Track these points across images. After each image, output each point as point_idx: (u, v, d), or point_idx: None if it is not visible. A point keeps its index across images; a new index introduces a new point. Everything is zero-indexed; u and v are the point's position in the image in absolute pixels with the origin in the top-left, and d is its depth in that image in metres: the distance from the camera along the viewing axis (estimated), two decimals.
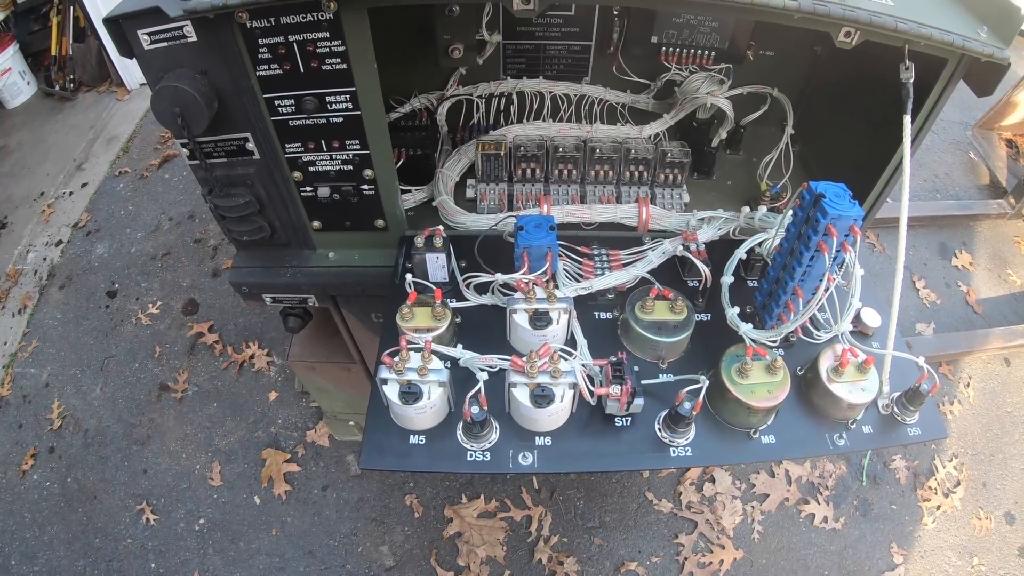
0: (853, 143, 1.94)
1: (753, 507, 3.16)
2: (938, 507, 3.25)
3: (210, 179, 1.58)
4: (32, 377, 3.70)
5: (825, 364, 1.48)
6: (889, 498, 3.27)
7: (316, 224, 1.77)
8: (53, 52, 5.48)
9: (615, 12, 1.83)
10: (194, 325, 3.78)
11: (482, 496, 3.09)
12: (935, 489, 3.30)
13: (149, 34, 1.34)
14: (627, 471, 3.14)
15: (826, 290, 1.36)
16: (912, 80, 1.44)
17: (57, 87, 5.50)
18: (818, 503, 3.18)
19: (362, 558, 3.00)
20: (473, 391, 1.27)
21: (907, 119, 1.47)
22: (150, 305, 3.92)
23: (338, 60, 1.40)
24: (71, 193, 4.68)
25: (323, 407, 3.09)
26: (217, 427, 3.43)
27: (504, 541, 2.99)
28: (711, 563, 2.98)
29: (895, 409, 1.54)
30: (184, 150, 1.54)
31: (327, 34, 1.36)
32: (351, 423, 3.03)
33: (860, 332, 1.66)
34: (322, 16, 1.32)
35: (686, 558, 2.99)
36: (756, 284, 1.74)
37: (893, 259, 3.95)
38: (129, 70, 5.43)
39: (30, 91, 5.64)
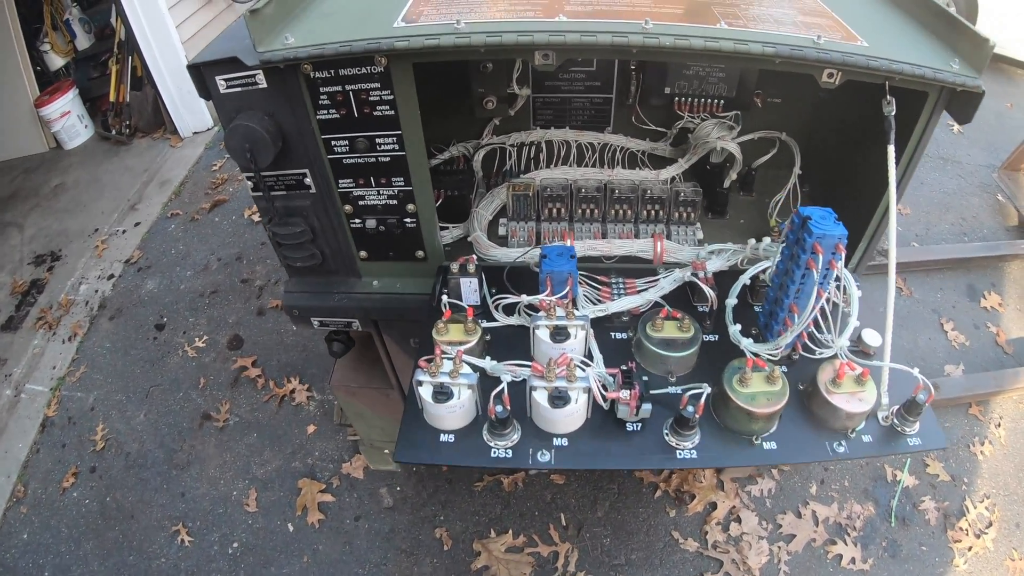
0: (856, 178, 2.08)
1: (779, 547, 3.16)
2: (970, 548, 3.20)
3: (271, 209, 1.82)
4: (78, 400, 3.91)
5: (824, 377, 1.62)
6: (919, 539, 3.24)
7: (363, 254, 1.98)
8: (111, 98, 5.86)
9: (632, 67, 2.06)
10: (238, 359, 3.97)
11: (510, 531, 3.16)
12: (966, 530, 3.25)
13: (226, 80, 1.60)
14: (637, 470, 3.22)
15: (816, 303, 1.51)
16: (893, 113, 1.59)
17: (114, 131, 5.88)
18: (846, 544, 3.17)
19: None
20: (497, 390, 1.44)
21: (891, 149, 1.62)
22: (196, 339, 4.13)
23: (387, 107, 1.64)
24: (124, 231, 4.98)
25: (360, 434, 3.21)
26: (256, 456, 3.57)
27: (531, 575, 3.06)
28: None
29: (895, 420, 1.64)
30: (249, 183, 1.78)
31: (378, 84, 1.60)
32: (386, 451, 3.17)
33: (862, 352, 1.76)
34: (375, 69, 1.56)
35: None
36: (760, 309, 1.89)
37: (920, 302, 4.08)
38: (183, 118, 5.78)
39: (87, 134, 6.07)
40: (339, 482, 3.44)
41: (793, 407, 1.60)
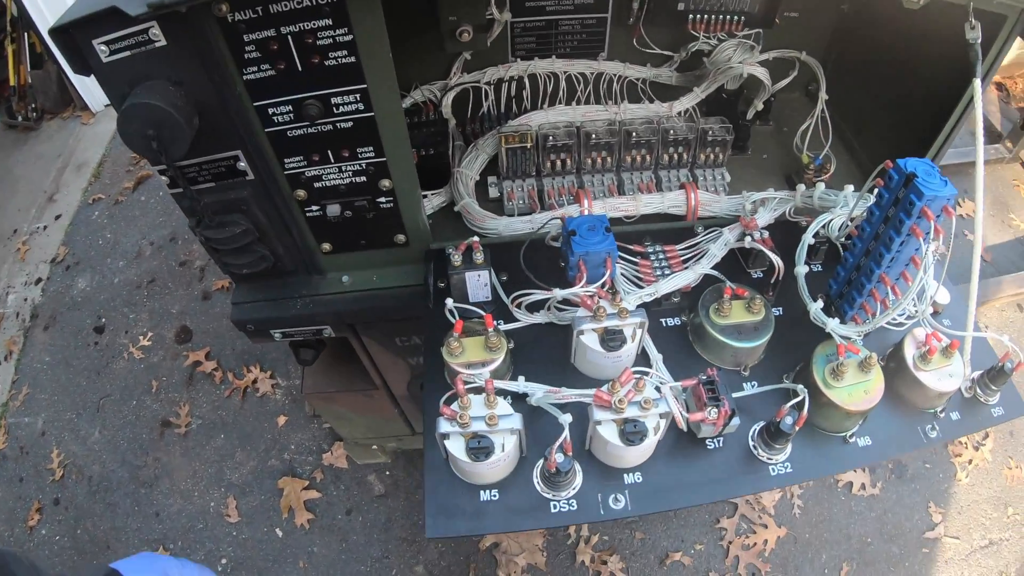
0: (890, 105, 1.79)
1: None
2: (970, 461, 3.21)
3: (197, 209, 1.34)
4: (27, 427, 3.49)
5: (910, 352, 1.36)
6: (922, 458, 3.21)
7: (326, 246, 1.56)
8: (12, 82, 5.19)
9: None
10: (190, 354, 3.57)
11: None
12: (965, 444, 3.25)
13: (107, 43, 1.09)
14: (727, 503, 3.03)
15: (921, 278, 1.22)
16: (979, 40, 1.31)
17: (20, 118, 5.22)
18: (855, 472, 3.11)
19: None
20: (560, 441, 1.09)
21: (977, 83, 1.35)
22: (141, 337, 3.70)
23: (344, 52, 1.18)
24: (45, 227, 4.41)
25: (342, 434, 2.92)
26: (227, 460, 3.25)
27: (543, 547, 2.87)
28: (755, 544, 2.91)
29: (977, 391, 1.43)
30: (163, 178, 1.30)
31: (329, 21, 1.13)
32: (374, 447, 2.86)
33: (933, 311, 1.53)
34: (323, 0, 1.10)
35: (730, 542, 2.91)
36: (821, 268, 1.60)
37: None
38: (92, 91, 5.11)
39: None
40: (323, 475, 3.15)
41: None
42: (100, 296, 3.93)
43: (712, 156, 1.73)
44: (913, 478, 3.14)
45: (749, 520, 2.97)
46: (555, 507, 1.17)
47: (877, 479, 3.11)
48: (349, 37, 1.16)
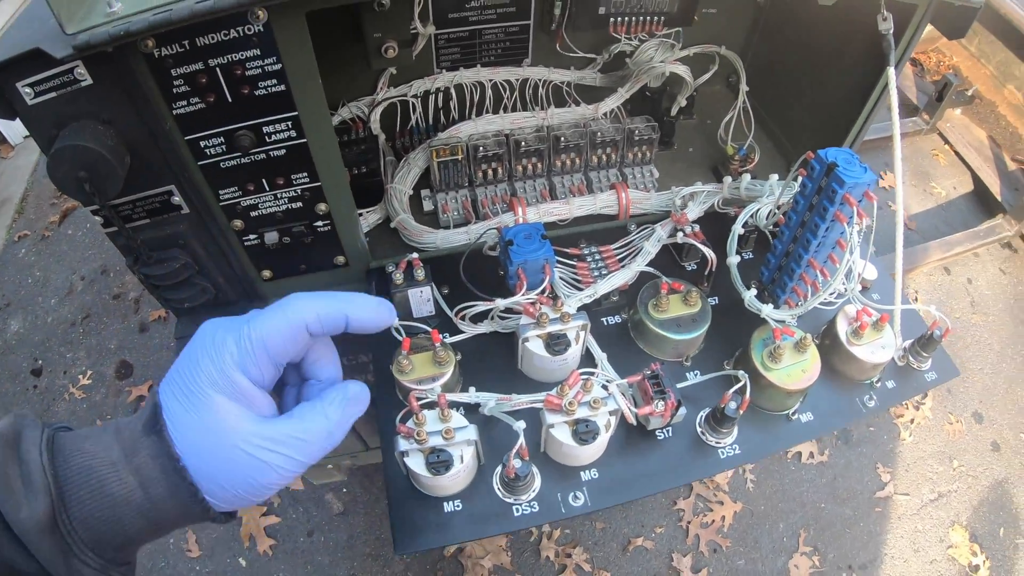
0: (811, 95, 1.86)
1: None
2: (912, 420, 3.35)
3: (134, 246, 1.31)
4: None
5: (843, 329, 1.43)
6: (867, 422, 3.35)
7: (266, 274, 1.54)
8: None
9: None
10: (132, 389, 3.46)
11: None
12: (906, 405, 3.39)
13: (32, 85, 1.04)
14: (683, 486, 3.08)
15: (846, 261, 1.28)
16: (891, 31, 1.38)
17: None
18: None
19: None
20: (516, 447, 1.12)
21: (891, 71, 1.41)
22: (81, 376, 3.57)
23: (274, 81, 1.16)
24: None
25: None
26: None
27: (508, 547, 2.89)
28: (713, 521, 2.99)
29: (910, 359, 1.51)
30: (97, 218, 1.25)
31: (257, 51, 1.11)
32: (329, 466, 2.83)
33: (861, 287, 1.61)
34: (249, 30, 1.08)
35: (689, 522, 2.99)
36: (752, 256, 1.66)
37: None
38: (8, 123, 4.79)
39: None
40: (280, 499, 3.10)
41: None
42: (34, 337, 3.79)
43: (640, 154, 1.77)
44: (859, 442, 3.27)
45: (705, 499, 3.05)
46: (518, 511, 1.19)
47: (824, 447, 3.23)
48: (278, 66, 1.15)
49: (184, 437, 0.72)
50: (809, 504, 3.09)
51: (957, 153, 4.47)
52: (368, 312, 0.89)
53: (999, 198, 4.15)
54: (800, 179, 1.32)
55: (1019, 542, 3.12)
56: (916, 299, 3.76)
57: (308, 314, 0.82)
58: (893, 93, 1.43)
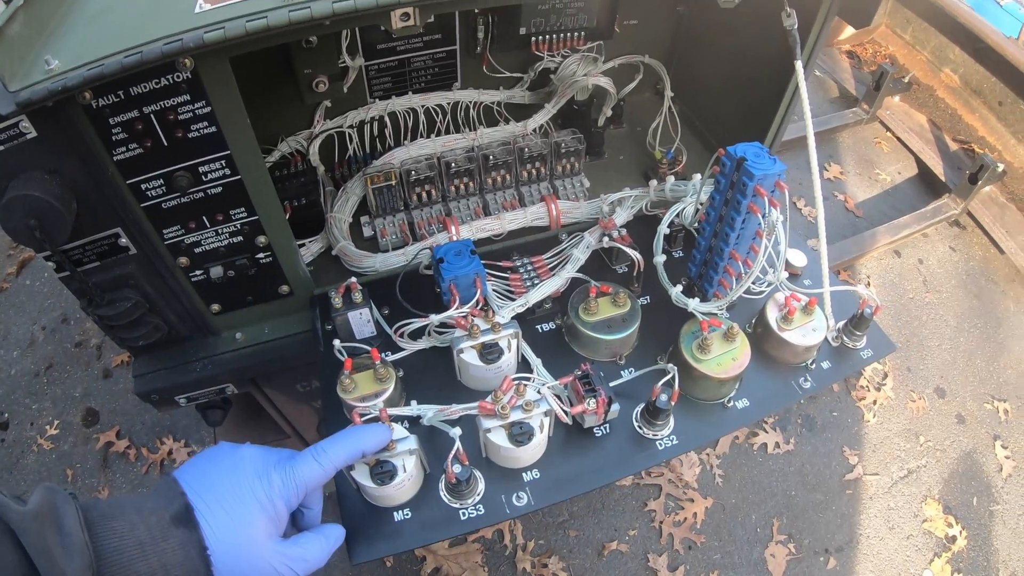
0: (733, 95, 1.94)
1: (708, 455, 3.22)
2: (874, 402, 3.42)
3: (87, 289, 1.36)
4: None
5: (772, 315, 1.49)
6: (829, 408, 3.41)
7: (215, 307, 1.59)
8: None
9: (476, 12, 1.74)
10: (100, 436, 3.43)
11: None
12: (867, 387, 3.47)
13: None
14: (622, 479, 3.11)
15: (766, 249, 1.34)
16: (796, 26, 1.44)
17: None
18: (766, 432, 3.28)
19: None
20: (452, 452, 1.17)
21: (799, 64, 1.48)
22: (48, 427, 3.53)
23: (205, 124, 1.23)
24: None
25: None
26: None
27: (484, 562, 2.89)
28: (686, 519, 3.02)
29: (844, 339, 1.57)
30: (50, 263, 1.31)
31: (187, 96, 1.18)
32: None
33: (791, 275, 1.68)
34: (179, 77, 1.15)
35: (661, 522, 3.01)
36: (682, 254, 1.73)
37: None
38: None
39: None
40: None
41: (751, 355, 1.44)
42: None
43: (569, 166, 1.84)
44: (824, 428, 3.33)
45: (675, 498, 3.09)
46: (464, 514, 1.23)
47: (789, 436, 3.28)
48: (207, 109, 1.21)
49: (218, 537, 0.88)
50: (780, 493, 3.13)
51: (899, 139, 4.60)
52: (377, 441, 1.13)
53: (943, 179, 4.28)
54: (715, 176, 1.38)
55: (994, 509, 3.19)
56: (869, 284, 3.86)
57: (339, 462, 1.05)
58: (802, 86, 1.50)
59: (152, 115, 1.19)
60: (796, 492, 3.13)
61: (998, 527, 3.14)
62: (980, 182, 4.02)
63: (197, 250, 1.45)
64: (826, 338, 1.55)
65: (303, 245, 1.73)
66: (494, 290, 1.49)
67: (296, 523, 1.11)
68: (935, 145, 4.48)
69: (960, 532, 3.09)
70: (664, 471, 3.14)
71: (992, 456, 3.35)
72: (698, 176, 1.60)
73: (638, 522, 3.03)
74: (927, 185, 4.44)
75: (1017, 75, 3.95)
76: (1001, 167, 4.04)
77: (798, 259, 1.68)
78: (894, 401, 3.45)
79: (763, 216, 1.30)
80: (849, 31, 4.80)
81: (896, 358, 3.58)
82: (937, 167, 4.34)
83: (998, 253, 4.13)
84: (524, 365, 1.41)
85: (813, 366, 1.52)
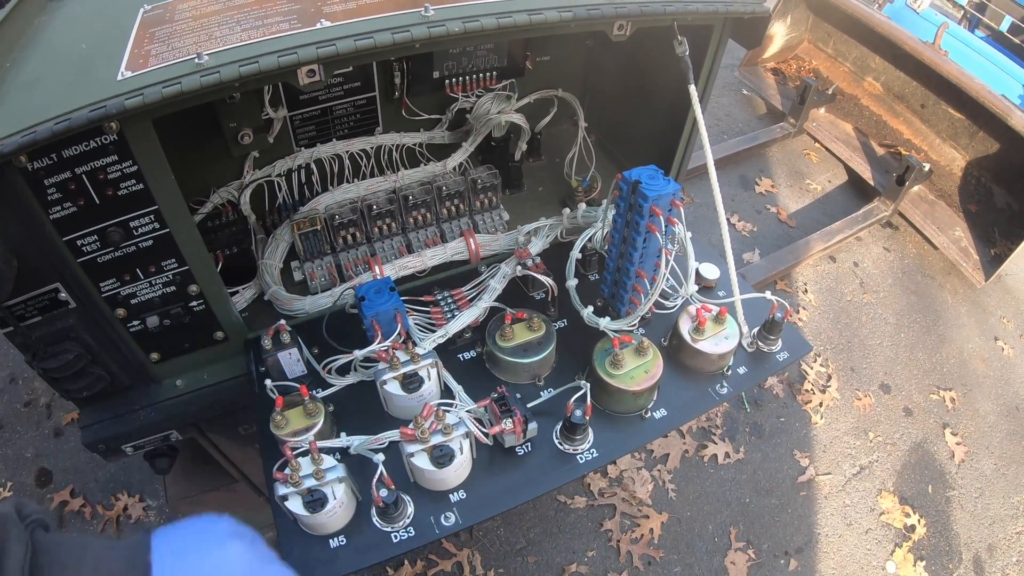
0: (643, 120, 2.06)
1: (660, 470, 3.27)
2: (820, 404, 3.52)
3: (30, 343, 1.43)
4: None
5: (685, 327, 1.58)
6: (775, 414, 3.50)
7: (154, 356, 1.64)
8: None
9: (393, 58, 1.84)
10: (54, 496, 3.39)
11: (405, 561, 2.97)
12: (811, 390, 3.58)
13: None
14: (546, 493, 3.15)
15: (667, 264, 1.43)
16: (688, 52, 1.55)
17: None
18: (715, 443, 3.35)
19: None
20: (376, 476, 1.23)
21: (692, 88, 1.59)
22: (1, 489, 3.48)
23: (133, 181, 1.32)
24: None
25: None
26: None
27: None
28: (643, 535, 3.06)
29: (759, 344, 1.67)
30: None
31: (115, 157, 1.27)
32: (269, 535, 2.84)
33: (704, 288, 1.78)
34: (106, 139, 1.24)
35: (618, 540, 3.05)
36: (598, 277, 1.82)
37: (703, 205, 4.29)
38: None
39: None
40: None
41: (666, 367, 1.53)
42: None
43: (487, 201, 1.93)
44: (772, 434, 3.41)
45: (630, 516, 3.12)
46: (396, 537, 1.30)
47: (739, 445, 3.35)
48: (134, 168, 1.30)
49: None
50: (734, 501, 3.20)
51: (827, 148, 4.80)
52: None
53: (872, 183, 4.47)
54: (614, 200, 1.48)
55: (950, 494, 3.30)
56: (807, 290, 3.99)
57: None
58: (697, 109, 1.61)
59: (84, 175, 1.27)
60: (750, 499, 3.20)
61: (956, 511, 3.25)
62: (907, 183, 4.20)
63: (133, 301, 1.51)
64: (741, 345, 1.64)
65: (236, 292, 1.79)
66: (416, 323, 1.56)
67: None
68: (862, 151, 4.67)
69: (919, 521, 3.18)
70: (617, 490, 3.18)
71: (943, 444, 3.47)
72: (606, 202, 1.70)
73: (595, 543, 3.06)
74: (857, 191, 4.64)
75: (936, 77, 4.18)
76: (927, 167, 4.23)
77: (711, 272, 1.78)
78: (840, 401, 3.56)
79: (661, 234, 1.39)
80: (773, 48, 5.00)
81: (838, 359, 3.70)
82: (866, 172, 4.53)
83: (932, 249, 4.31)
84: (448, 392, 1.47)
85: (729, 372, 1.61)
